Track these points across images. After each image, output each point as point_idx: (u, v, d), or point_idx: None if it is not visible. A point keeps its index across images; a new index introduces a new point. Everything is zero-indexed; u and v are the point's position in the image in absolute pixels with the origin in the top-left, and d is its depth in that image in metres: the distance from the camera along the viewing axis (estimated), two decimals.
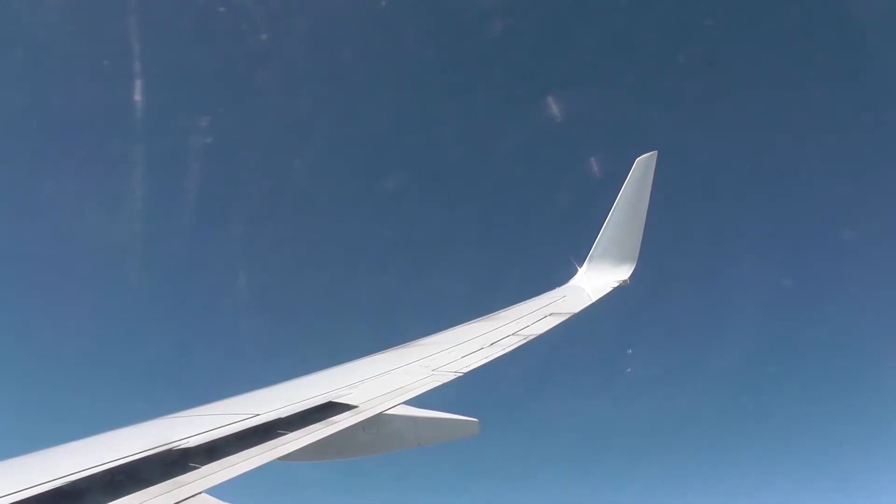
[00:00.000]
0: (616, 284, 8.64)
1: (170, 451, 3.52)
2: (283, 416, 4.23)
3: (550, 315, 7.41)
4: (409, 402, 4.81)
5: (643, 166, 9.09)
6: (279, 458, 3.75)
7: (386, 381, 5.25)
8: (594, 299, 8.20)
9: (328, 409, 4.45)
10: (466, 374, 5.53)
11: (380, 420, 4.50)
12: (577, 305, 7.88)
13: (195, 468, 3.37)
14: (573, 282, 9.20)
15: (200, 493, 3.11)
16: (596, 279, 8.94)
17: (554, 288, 9.10)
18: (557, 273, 9.66)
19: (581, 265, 9.44)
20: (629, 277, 8.79)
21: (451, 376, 5.41)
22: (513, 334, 6.69)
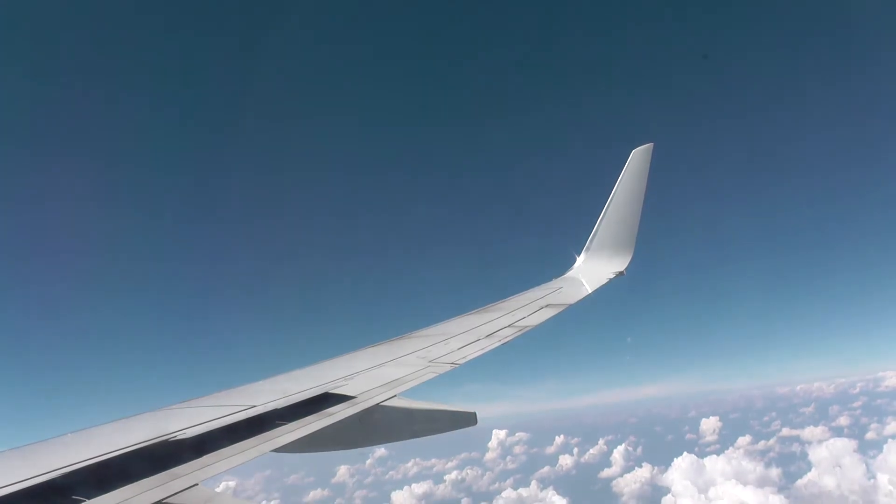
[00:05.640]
0: (612, 276, 8.64)
1: (166, 442, 3.53)
2: (279, 407, 4.24)
3: (547, 306, 7.41)
4: (406, 394, 4.82)
5: (639, 158, 9.07)
6: (275, 450, 3.77)
7: (382, 373, 5.25)
8: (590, 290, 8.20)
9: (324, 401, 4.46)
10: (463, 366, 5.54)
11: (376, 412, 4.51)
12: (574, 297, 7.88)
13: (191, 460, 3.38)
14: (570, 273, 9.20)
15: (196, 484, 3.12)
16: (592, 270, 8.93)
17: (550, 279, 9.10)
18: (554, 264, 9.67)
19: (578, 256, 9.44)
20: (625, 269, 8.78)
21: (448, 368, 5.42)
22: (509, 326, 6.70)
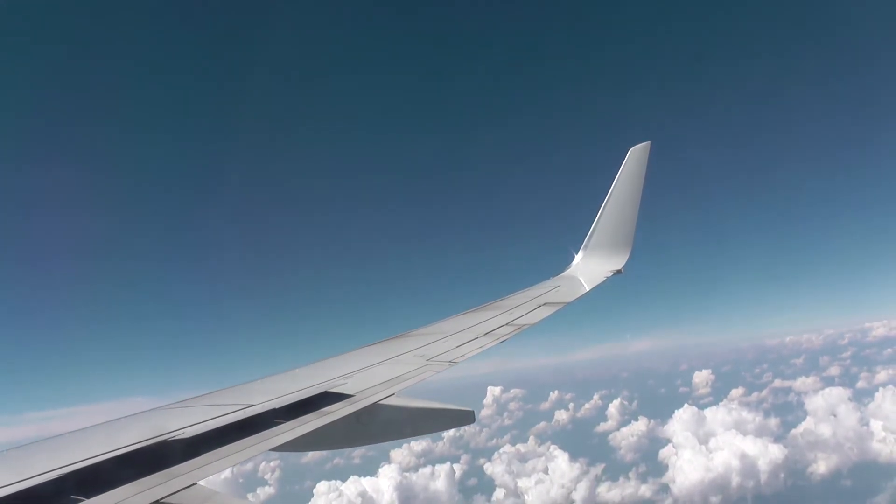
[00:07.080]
0: (610, 274, 8.65)
1: (164, 442, 3.53)
2: (278, 406, 4.24)
3: (544, 305, 7.43)
4: (404, 392, 4.83)
5: (637, 157, 9.07)
6: (274, 449, 3.77)
7: (381, 372, 5.26)
8: (588, 289, 8.21)
9: (323, 400, 4.46)
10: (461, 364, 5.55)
11: (375, 410, 4.51)
12: (571, 295, 7.89)
13: (189, 459, 3.39)
14: (568, 272, 9.20)
15: (195, 483, 3.12)
16: (590, 269, 8.94)
17: (548, 278, 9.11)
18: (552, 263, 9.68)
19: (576, 255, 9.44)
20: (623, 267, 8.79)
21: (446, 366, 5.43)
22: (507, 324, 6.70)
